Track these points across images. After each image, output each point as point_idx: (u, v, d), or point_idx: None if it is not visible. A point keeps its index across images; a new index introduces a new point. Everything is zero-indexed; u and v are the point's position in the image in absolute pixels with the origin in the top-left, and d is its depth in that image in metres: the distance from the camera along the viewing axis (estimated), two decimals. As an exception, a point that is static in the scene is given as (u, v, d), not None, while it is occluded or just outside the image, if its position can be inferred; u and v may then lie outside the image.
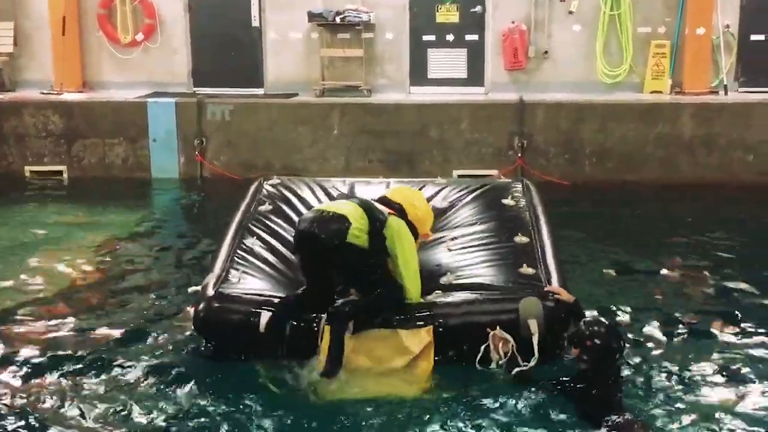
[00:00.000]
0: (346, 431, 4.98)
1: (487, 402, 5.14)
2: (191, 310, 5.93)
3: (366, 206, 5.71)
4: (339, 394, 5.29)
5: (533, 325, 5.33)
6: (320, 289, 5.68)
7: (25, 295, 7.30)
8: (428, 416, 5.05)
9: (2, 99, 12.64)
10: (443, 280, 6.01)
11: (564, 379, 5.04)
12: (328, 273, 5.70)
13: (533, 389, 5.09)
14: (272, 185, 7.53)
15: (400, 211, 5.87)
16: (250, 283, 5.97)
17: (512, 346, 5.33)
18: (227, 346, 5.77)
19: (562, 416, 4.90)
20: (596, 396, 4.69)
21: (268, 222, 6.91)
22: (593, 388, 4.77)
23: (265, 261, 6.35)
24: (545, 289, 5.67)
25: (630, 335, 6.15)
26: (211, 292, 5.79)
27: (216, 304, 5.70)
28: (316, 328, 5.53)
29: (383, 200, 5.99)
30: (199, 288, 6.02)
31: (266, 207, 7.11)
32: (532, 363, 5.27)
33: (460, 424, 4.95)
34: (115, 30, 13.24)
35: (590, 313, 5.81)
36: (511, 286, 5.82)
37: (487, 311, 5.56)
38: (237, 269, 6.10)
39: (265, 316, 5.54)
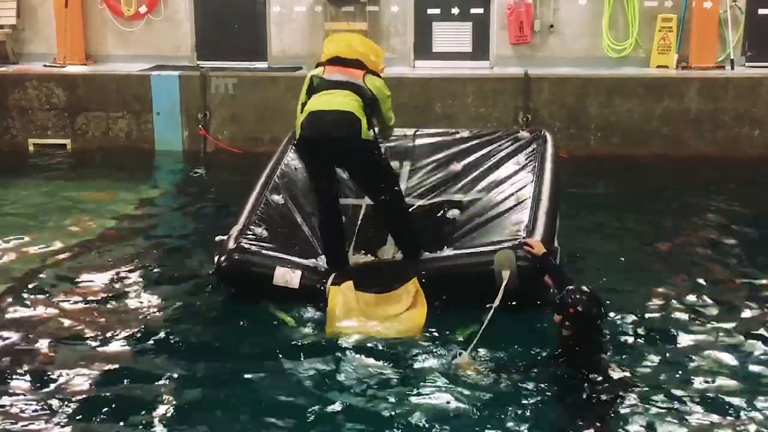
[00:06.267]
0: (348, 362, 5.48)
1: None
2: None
3: (354, 89, 5.97)
4: (347, 331, 5.80)
5: (505, 276, 5.80)
6: (332, 203, 6.20)
7: (37, 263, 7.39)
8: (424, 356, 5.52)
9: (6, 72, 12.60)
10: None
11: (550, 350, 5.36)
12: (336, 179, 6.36)
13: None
14: None
15: (360, 64, 6.13)
16: (268, 240, 6.45)
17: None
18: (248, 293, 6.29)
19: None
20: (579, 356, 5.01)
21: (294, 176, 7.30)
22: (576, 349, 5.06)
23: (286, 218, 6.84)
24: (520, 240, 5.99)
25: (623, 304, 6.31)
26: (232, 244, 6.26)
27: (237, 257, 6.18)
28: (323, 288, 6.02)
29: (344, 62, 6.15)
30: (224, 238, 6.45)
31: (294, 159, 7.48)
32: (492, 306, 5.64)
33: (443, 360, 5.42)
34: (118, 2, 13.17)
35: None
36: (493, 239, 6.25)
37: (465, 264, 6.10)
38: (259, 224, 6.58)
39: (297, 274, 6.05)
